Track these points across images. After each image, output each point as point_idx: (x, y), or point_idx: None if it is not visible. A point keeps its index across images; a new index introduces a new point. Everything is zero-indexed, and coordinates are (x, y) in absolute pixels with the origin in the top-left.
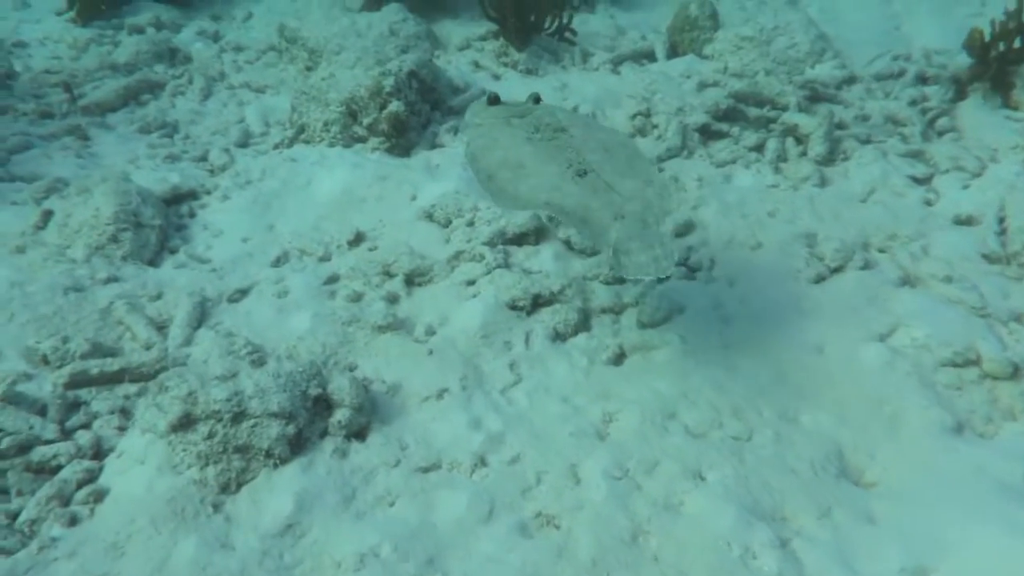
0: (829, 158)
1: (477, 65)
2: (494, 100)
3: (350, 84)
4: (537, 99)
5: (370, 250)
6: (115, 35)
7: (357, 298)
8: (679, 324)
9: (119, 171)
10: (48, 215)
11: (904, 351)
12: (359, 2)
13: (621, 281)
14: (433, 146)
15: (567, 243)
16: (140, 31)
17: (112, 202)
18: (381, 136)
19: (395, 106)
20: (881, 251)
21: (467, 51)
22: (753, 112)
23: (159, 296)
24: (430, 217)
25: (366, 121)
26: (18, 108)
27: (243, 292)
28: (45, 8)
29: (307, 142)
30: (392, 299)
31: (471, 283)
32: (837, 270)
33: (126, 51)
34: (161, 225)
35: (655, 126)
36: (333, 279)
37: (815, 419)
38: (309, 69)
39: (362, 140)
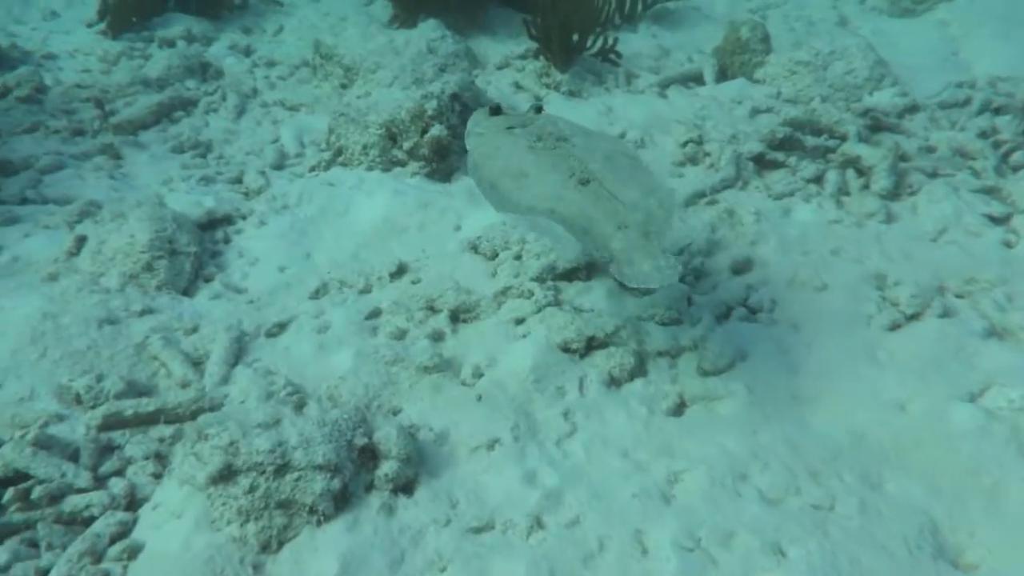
0: (895, 192)
1: (518, 86)
2: (496, 110)
3: (390, 106)
4: (539, 109)
5: (413, 283)
6: (146, 48)
7: (400, 335)
8: (743, 372)
9: (153, 194)
10: (82, 241)
11: (1000, 414)
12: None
13: (677, 322)
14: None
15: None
16: (171, 44)
17: (147, 228)
18: (422, 161)
19: (437, 130)
20: (959, 296)
21: (506, 70)
22: (810, 141)
23: (195, 329)
24: (475, 249)
25: (406, 145)
26: (49, 125)
27: (281, 326)
28: (74, 19)
29: (345, 165)
30: (437, 337)
31: (520, 321)
32: (914, 317)
33: (157, 66)
34: (196, 252)
35: (707, 154)
36: (375, 314)
37: (903, 487)
38: (344, 87)
39: (401, 164)
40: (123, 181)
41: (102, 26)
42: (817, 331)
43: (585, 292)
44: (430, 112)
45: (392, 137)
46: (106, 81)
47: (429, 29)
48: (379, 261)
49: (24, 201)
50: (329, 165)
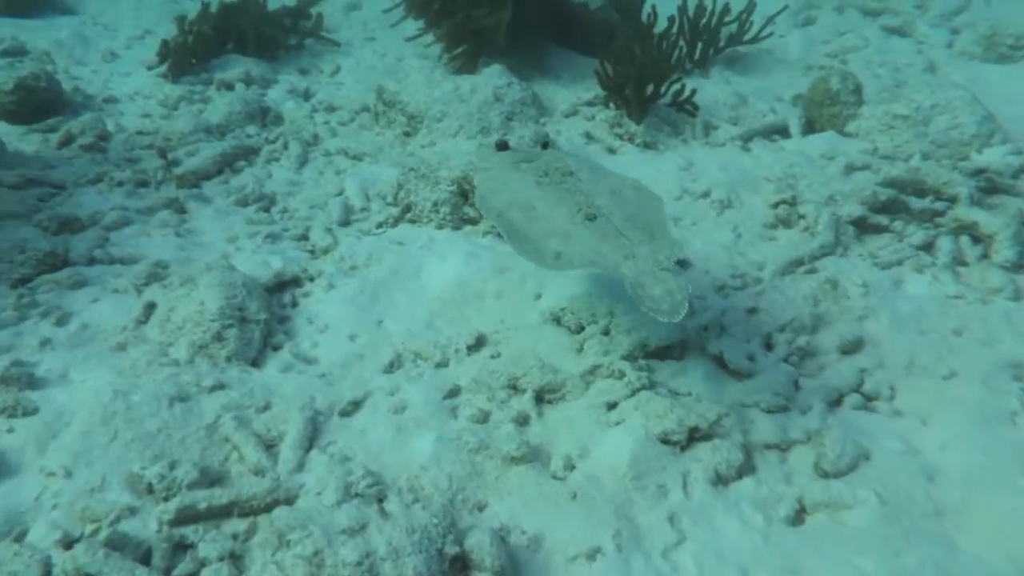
0: (1019, 264)
1: (589, 136)
2: (502, 146)
3: (462, 161)
4: (545, 144)
5: (492, 357)
6: (204, 91)
7: (483, 418)
8: (870, 475)
9: (221, 255)
10: (151, 308)
11: None
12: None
13: (784, 409)
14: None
15: (718, 359)
16: (230, 87)
17: (217, 296)
18: None
19: None
20: None
21: (574, 118)
22: (916, 204)
23: (267, 407)
24: (558, 321)
25: None
26: (114, 176)
27: (356, 404)
28: (134, 60)
29: (413, 222)
30: (522, 420)
31: (612, 406)
32: None
33: (218, 112)
34: (266, 319)
35: (802, 216)
36: (454, 392)
37: None
38: (408, 135)
39: (473, 222)
40: (189, 238)
41: (162, 69)
42: (951, 428)
43: (680, 373)
44: None
45: (464, 194)
46: (168, 128)
47: (495, 76)
48: (455, 331)
49: (92, 261)
50: (397, 222)
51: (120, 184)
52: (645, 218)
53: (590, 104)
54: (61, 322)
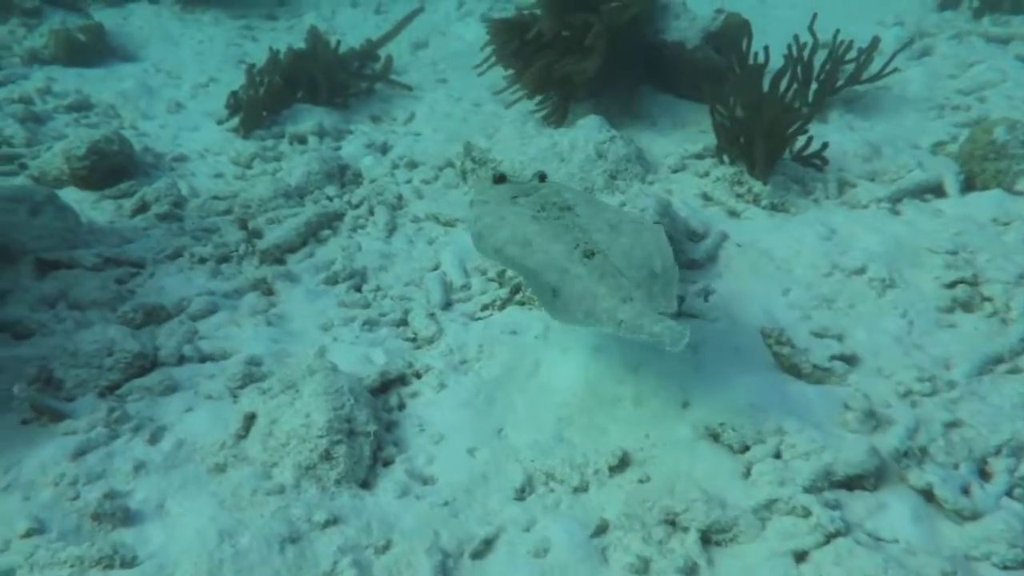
0: None
1: (707, 198)
2: (500, 179)
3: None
4: (543, 177)
5: (640, 482)
6: (276, 145)
7: (642, 567)
8: None
9: (319, 348)
10: (250, 420)
11: None
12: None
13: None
14: (679, 314)
15: (926, 492)
16: (303, 140)
17: (324, 406)
18: None
19: None
20: None
21: (684, 174)
22: None
23: (387, 546)
24: (716, 438)
25: None
26: (194, 252)
27: (488, 543)
28: (200, 111)
29: (523, 304)
30: (690, 572)
31: (801, 556)
32: None
33: (296, 173)
34: (375, 431)
35: (987, 299)
36: (602, 528)
37: None
38: None
39: None
40: (280, 326)
41: (232, 123)
42: None
43: (879, 511)
44: None
45: None
46: (247, 195)
47: (594, 129)
48: (591, 446)
49: (182, 360)
50: (505, 304)
51: (202, 261)
52: (644, 252)
53: (698, 157)
54: (155, 439)
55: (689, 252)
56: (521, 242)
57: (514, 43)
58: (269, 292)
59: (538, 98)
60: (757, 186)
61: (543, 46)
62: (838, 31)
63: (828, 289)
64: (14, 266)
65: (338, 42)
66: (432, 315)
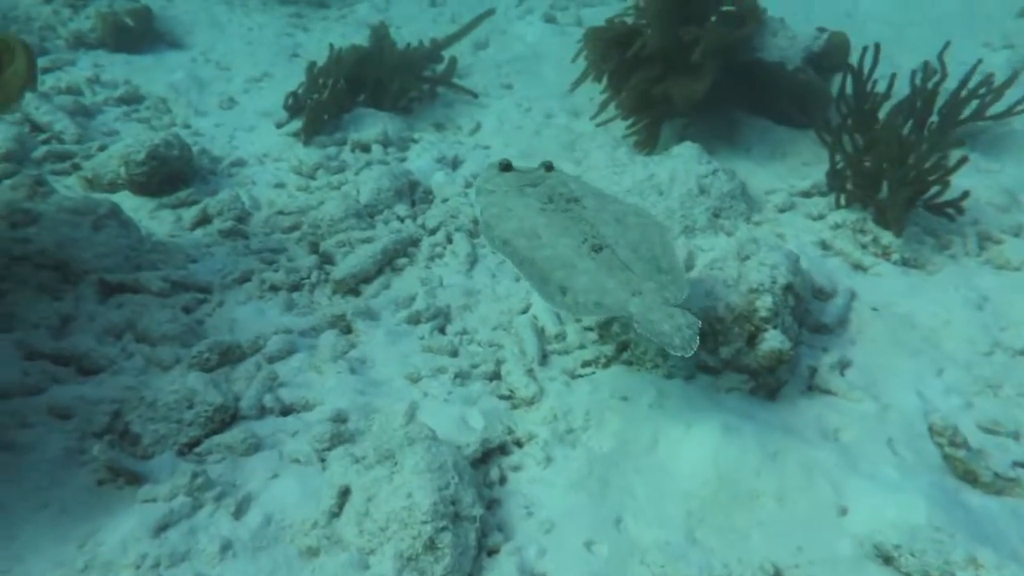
0: None
1: (826, 247)
2: (506, 167)
3: (701, 303)
4: (549, 167)
5: None
6: (339, 153)
7: None
8: None
9: (410, 407)
10: (344, 496)
11: None
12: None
13: None
14: (810, 387)
15: None
16: (366, 149)
17: (428, 486)
18: (745, 375)
19: (777, 341)
20: None
21: (792, 214)
22: None
23: None
24: (888, 561)
25: (725, 352)
26: (264, 277)
27: None
28: (253, 109)
29: (631, 364)
30: None
31: None
32: None
33: (366, 190)
34: (481, 515)
35: None
36: None
37: None
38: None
39: (711, 371)
40: (363, 373)
41: (291, 127)
42: None
43: None
44: (764, 312)
45: (702, 334)
46: (316, 215)
47: (693, 159)
48: (732, 554)
49: (263, 411)
50: (610, 362)
51: (273, 289)
52: (650, 247)
53: (806, 195)
54: (241, 511)
55: (816, 313)
56: (529, 234)
57: (613, 57)
58: (348, 330)
59: (631, 119)
60: (886, 237)
61: (642, 60)
62: (942, 54)
63: (991, 372)
64: (75, 287)
65: (408, 44)
66: (530, 371)
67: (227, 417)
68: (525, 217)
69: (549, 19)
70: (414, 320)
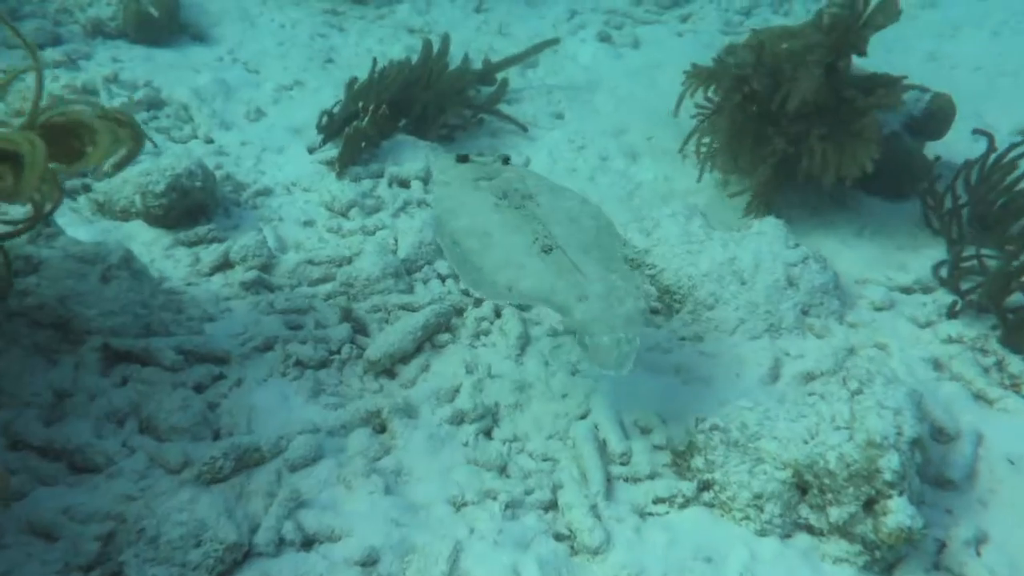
0: None
1: (939, 366)
2: (463, 158)
3: (805, 449)
4: (506, 160)
5: None
6: (374, 187)
7: None
8: None
9: (453, 551)
10: None
11: None
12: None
13: None
14: (936, 566)
15: None
16: (404, 184)
17: None
18: (858, 545)
19: (904, 515)
20: None
21: (891, 314)
22: None
23: None
24: None
25: (835, 514)
26: (289, 352)
27: None
28: (283, 124)
29: (713, 506)
30: None
31: None
32: None
33: (406, 243)
34: None
35: None
36: None
37: None
38: (655, 312)
39: (814, 533)
40: (400, 492)
41: (324, 153)
42: None
43: None
44: (888, 476)
45: (803, 488)
46: (350, 271)
47: (777, 240)
48: None
49: (280, 544)
50: (688, 502)
51: (298, 365)
52: (601, 250)
53: (906, 290)
54: None
55: (937, 462)
56: (480, 234)
57: (736, 112)
58: (382, 429)
59: (731, 180)
60: (1015, 363)
61: (770, 115)
62: None
63: None
64: (76, 350)
65: (465, 59)
66: (593, 507)
67: (239, 556)
68: (478, 213)
69: (604, 38)
70: (457, 419)
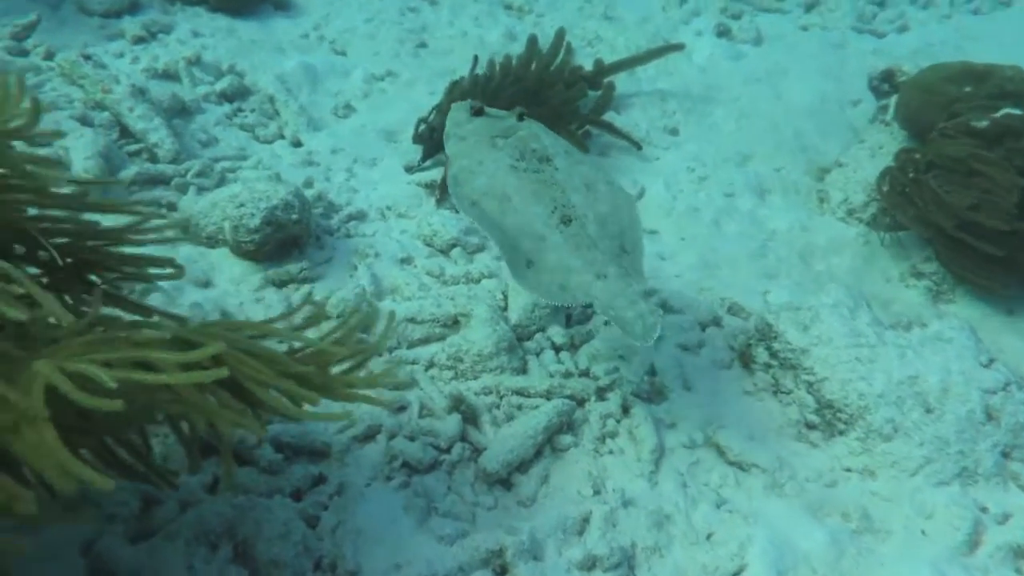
0: None
1: None
2: (478, 111)
3: None
4: (521, 115)
5: None
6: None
7: None
8: None
9: None
10: None
11: None
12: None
13: None
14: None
15: None
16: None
17: None
18: None
19: None
20: None
21: None
22: None
23: None
24: None
25: None
26: (395, 449)
27: None
28: (374, 126)
29: None
30: None
31: None
32: None
33: (518, 305)
34: None
35: None
36: None
37: None
38: (811, 427)
39: None
40: None
41: (423, 173)
42: None
43: None
44: None
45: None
46: (459, 343)
47: (968, 354)
48: None
49: None
50: None
51: (405, 467)
52: (618, 222)
53: None
54: None
55: None
56: (499, 196)
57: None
58: (503, 571)
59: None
60: None
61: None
62: None
63: None
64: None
65: (568, 49)
66: None
67: None
68: (495, 174)
69: (722, 31)
70: (588, 565)
